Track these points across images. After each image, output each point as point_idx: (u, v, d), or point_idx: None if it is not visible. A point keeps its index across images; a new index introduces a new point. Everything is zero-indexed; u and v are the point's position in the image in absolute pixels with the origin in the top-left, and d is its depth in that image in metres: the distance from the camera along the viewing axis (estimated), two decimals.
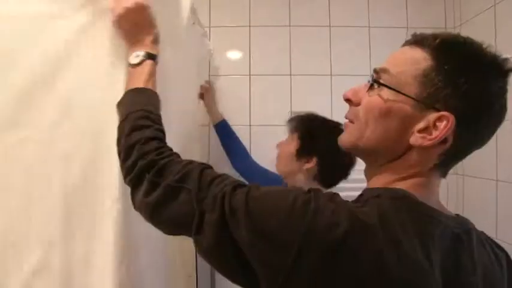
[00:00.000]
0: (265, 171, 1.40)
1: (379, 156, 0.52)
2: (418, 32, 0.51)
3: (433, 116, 0.46)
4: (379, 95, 0.50)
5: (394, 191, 0.48)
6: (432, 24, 1.66)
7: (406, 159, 0.49)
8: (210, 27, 1.64)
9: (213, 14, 1.65)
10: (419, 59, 0.47)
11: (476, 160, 1.45)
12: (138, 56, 0.70)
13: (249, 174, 1.41)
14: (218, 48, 1.64)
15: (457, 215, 0.53)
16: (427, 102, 0.46)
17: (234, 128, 1.53)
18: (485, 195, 1.46)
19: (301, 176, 1.04)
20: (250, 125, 1.66)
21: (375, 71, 0.52)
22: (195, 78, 1.40)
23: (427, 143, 0.46)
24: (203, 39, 1.47)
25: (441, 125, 0.45)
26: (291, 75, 1.66)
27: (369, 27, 1.66)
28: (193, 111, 1.36)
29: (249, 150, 1.61)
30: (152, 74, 0.70)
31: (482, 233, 0.55)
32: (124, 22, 0.70)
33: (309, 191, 0.46)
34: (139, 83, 0.68)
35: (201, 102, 1.52)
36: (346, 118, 0.56)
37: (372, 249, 0.40)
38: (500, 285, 0.51)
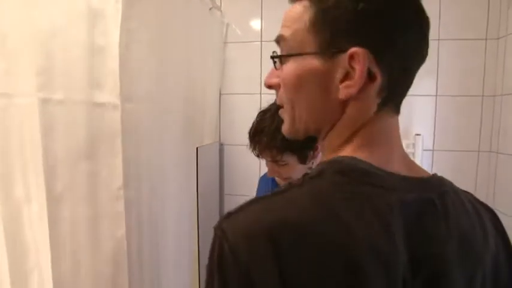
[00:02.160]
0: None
1: (322, 129, 0.46)
2: None
3: (344, 59, 0.40)
4: (287, 68, 0.45)
5: (338, 162, 0.42)
6: (470, 35, 1.46)
7: (348, 117, 0.43)
8: None
9: None
10: (302, 10, 0.43)
11: (510, 137, 1.35)
12: None
13: None
14: (231, 16, 1.61)
15: (434, 174, 0.46)
16: (330, 49, 0.41)
17: (245, 98, 1.49)
18: None
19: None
20: (261, 94, 1.63)
21: (276, 41, 0.47)
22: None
23: (353, 90, 0.41)
24: (213, 12, 1.48)
25: (356, 63, 0.39)
26: None
27: None
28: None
29: None
30: None
31: (465, 193, 0.48)
32: None
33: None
34: None
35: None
36: (279, 108, 0.51)
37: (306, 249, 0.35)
38: (481, 250, 0.44)
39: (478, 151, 1.48)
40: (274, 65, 0.48)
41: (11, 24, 0.86)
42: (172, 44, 1.18)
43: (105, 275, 0.96)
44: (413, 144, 1.47)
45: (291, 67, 0.44)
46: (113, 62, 0.92)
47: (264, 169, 1.67)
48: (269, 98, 1.61)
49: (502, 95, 1.42)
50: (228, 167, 1.70)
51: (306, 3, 0.43)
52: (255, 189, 1.68)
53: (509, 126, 1.39)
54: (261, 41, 1.62)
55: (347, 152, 0.43)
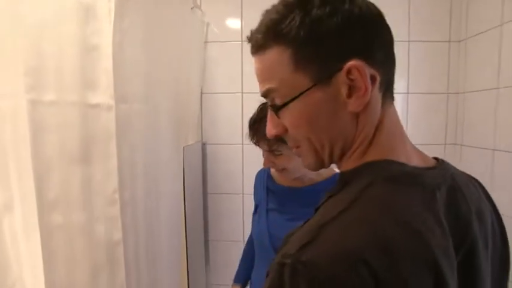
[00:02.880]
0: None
1: (346, 146, 0.47)
2: None
3: (341, 76, 0.42)
4: (290, 112, 0.45)
5: (381, 169, 0.43)
6: (436, 37, 1.59)
7: (363, 123, 0.45)
8: None
9: None
10: (278, 57, 0.44)
11: (474, 130, 1.49)
12: None
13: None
14: (211, 15, 1.60)
15: (441, 160, 0.50)
16: (323, 75, 0.42)
17: (226, 97, 1.49)
18: (482, 164, 1.43)
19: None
20: (242, 93, 1.64)
21: (263, 96, 0.48)
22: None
23: (366, 98, 0.42)
24: (195, 11, 1.47)
25: (354, 74, 0.41)
26: None
27: None
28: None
29: (241, 118, 1.61)
30: None
31: (459, 171, 0.52)
32: None
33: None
34: None
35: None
36: (292, 149, 0.51)
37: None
38: (487, 218, 0.49)
39: (445, 144, 1.62)
40: (276, 113, 0.48)
41: None
42: (160, 43, 1.16)
43: (102, 279, 0.93)
44: None
45: (294, 110, 0.45)
46: (106, 61, 0.89)
47: (247, 168, 1.69)
48: (251, 97, 1.64)
49: (465, 93, 1.56)
50: (210, 166, 1.70)
51: (279, 48, 0.43)
52: (239, 188, 1.70)
53: (471, 121, 1.53)
54: (242, 41, 1.63)
55: (376, 155, 0.44)
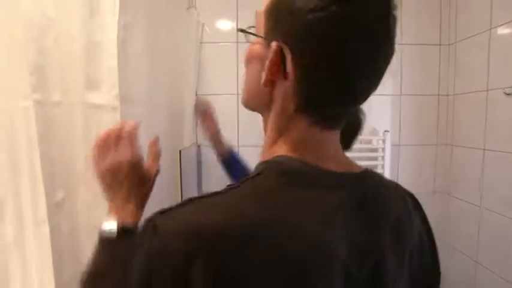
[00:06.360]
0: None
1: (259, 109, 0.49)
2: None
3: (271, 50, 0.40)
4: (249, 43, 0.47)
5: (278, 163, 0.42)
6: (426, 40, 1.63)
7: (274, 111, 0.45)
8: None
9: None
10: None
11: (464, 130, 1.55)
12: (110, 227, 0.59)
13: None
14: (206, 16, 1.58)
15: (366, 169, 0.48)
16: (268, 37, 0.42)
17: (221, 99, 1.47)
18: (473, 163, 1.48)
19: None
20: (237, 94, 1.62)
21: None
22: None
23: (264, 77, 0.42)
24: (191, 11, 1.43)
25: (270, 55, 0.40)
26: None
27: None
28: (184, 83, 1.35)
29: (236, 119, 1.60)
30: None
31: (392, 183, 0.51)
32: (108, 178, 0.61)
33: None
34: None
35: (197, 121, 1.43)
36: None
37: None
38: (408, 232, 0.48)
39: (437, 144, 1.67)
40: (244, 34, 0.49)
41: None
42: (159, 42, 1.13)
43: None
44: (383, 140, 1.59)
45: (249, 46, 0.47)
46: (111, 60, 0.85)
47: None
48: None
49: (455, 95, 1.61)
50: (205, 168, 1.67)
51: None
52: None
53: (462, 122, 1.58)
54: (237, 42, 1.61)
55: (282, 150, 0.44)
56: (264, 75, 0.42)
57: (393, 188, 0.51)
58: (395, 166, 1.66)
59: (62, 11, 0.78)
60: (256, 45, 0.45)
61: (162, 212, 0.39)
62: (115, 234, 0.58)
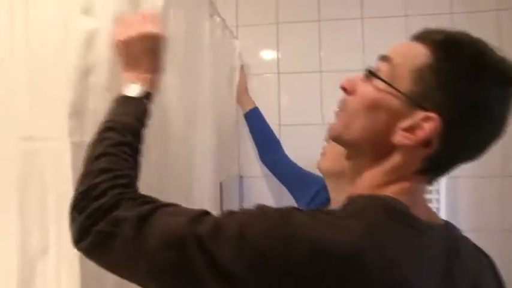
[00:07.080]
0: (299, 170, 1.32)
1: (362, 152, 0.50)
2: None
3: (420, 115, 0.43)
4: (373, 86, 0.47)
5: (383, 200, 0.45)
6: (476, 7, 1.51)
7: (389, 161, 0.47)
8: (237, 26, 1.62)
9: (240, 12, 1.63)
10: (419, 54, 0.45)
11: None
12: (135, 89, 0.63)
13: (278, 169, 1.34)
14: (246, 46, 1.61)
15: (447, 221, 0.51)
16: (416, 99, 0.44)
17: None
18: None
19: None
20: (280, 125, 1.60)
21: (380, 57, 0.50)
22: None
23: (408, 142, 0.44)
24: (231, 41, 1.47)
25: (426, 125, 0.43)
26: (321, 72, 1.58)
27: (406, 16, 1.54)
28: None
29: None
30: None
31: (468, 239, 0.53)
32: (130, 48, 0.65)
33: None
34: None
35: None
36: (338, 107, 0.54)
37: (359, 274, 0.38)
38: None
39: (502, 176, 1.49)
40: (367, 76, 0.49)
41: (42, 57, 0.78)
42: (200, 70, 1.14)
43: None
44: None
45: (374, 89, 0.47)
46: None
47: (288, 201, 1.59)
48: (288, 129, 1.61)
49: None
50: (248, 201, 1.64)
51: (428, 52, 0.44)
52: None
53: None
54: (278, 73, 1.62)
55: (385, 192, 0.46)
56: (401, 135, 0.44)
57: (471, 245, 0.52)
58: (453, 202, 1.50)
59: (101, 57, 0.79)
60: (385, 94, 0.46)
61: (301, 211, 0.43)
62: (142, 95, 0.62)
